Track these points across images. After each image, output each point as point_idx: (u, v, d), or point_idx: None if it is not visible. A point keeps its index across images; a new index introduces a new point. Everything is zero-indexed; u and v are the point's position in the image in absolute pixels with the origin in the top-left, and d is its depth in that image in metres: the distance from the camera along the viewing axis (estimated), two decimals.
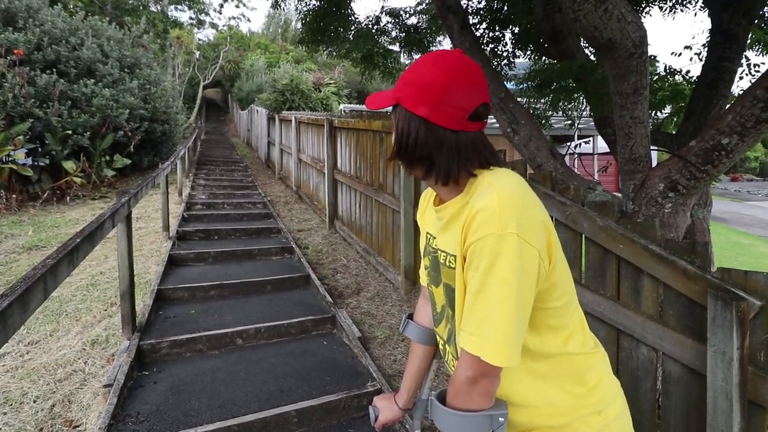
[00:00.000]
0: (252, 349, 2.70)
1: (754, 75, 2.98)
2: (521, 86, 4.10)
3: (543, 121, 4.09)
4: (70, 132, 6.55)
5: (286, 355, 2.64)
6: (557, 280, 0.77)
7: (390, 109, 0.84)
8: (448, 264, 0.82)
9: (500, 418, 0.74)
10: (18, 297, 1.12)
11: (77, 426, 1.99)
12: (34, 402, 2.12)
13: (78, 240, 1.67)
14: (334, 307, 3.20)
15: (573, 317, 0.83)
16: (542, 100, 4.18)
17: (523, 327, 0.72)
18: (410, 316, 1.11)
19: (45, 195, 6.19)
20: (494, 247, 0.68)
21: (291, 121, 8.03)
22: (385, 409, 1.07)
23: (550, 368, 0.80)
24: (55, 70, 6.82)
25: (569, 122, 4.20)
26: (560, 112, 4.07)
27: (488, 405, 0.73)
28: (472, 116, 0.77)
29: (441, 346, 0.95)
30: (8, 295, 1.10)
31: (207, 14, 24.68)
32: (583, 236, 1.86)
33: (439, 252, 0.85)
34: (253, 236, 5.27)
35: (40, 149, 6.39)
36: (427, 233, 0.95)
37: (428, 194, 0.99)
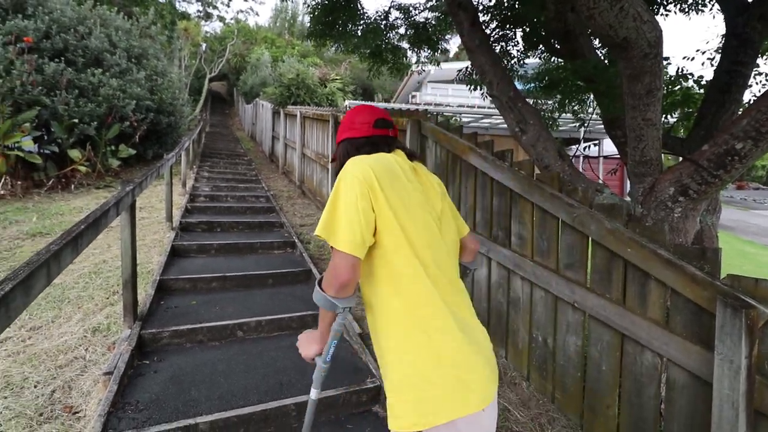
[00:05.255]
0: (252, 342, 2.69)
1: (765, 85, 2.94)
2: (528, 87, 4.06)
3: (550, 123, 4.06)
4: (76, 121, 6.56)
5: (287, 348, 2.63)
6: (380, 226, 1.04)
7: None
8: None
9: None
10: (21, 282, 1.11)
11: (77, 412, 1.99)
12: (35, 387, 2.12)
13: (82, 227, 1.66)
14: None
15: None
16: (550, 101, 4.15)
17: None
18: None
19: (50, 182, 6.20)
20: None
21: (296, 115, 8.01)
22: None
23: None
24: (62, 58, 6.83)
25: (577, 124, 4.17)
26: (568, 113, 4.03)
27: None
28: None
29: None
30: (11, 280, 1.09)
31: (215, 7, 24.57)
32: (590, 239, 1.84)
33: None
34: (256, 230, 5.27)
35: (46, 137, 6.41)
36: None
37: None
